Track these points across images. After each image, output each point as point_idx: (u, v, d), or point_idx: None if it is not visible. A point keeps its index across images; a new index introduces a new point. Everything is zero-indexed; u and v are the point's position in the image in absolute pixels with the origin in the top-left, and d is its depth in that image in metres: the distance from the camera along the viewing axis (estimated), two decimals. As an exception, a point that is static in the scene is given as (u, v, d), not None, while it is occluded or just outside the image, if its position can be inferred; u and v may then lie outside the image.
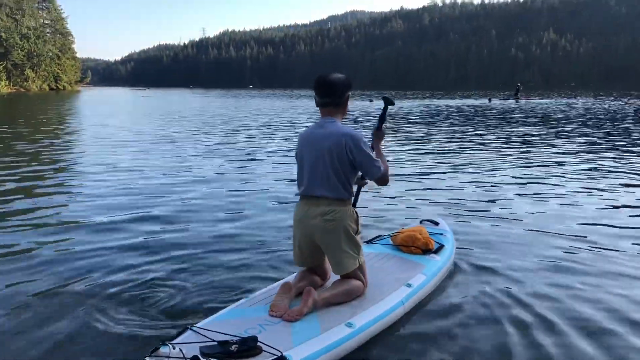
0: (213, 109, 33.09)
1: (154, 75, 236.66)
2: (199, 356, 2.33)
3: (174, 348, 2.42)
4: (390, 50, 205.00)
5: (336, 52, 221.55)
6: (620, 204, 6.44)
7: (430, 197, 6.95)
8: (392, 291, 3.29)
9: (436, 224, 4.61)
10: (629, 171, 8.92)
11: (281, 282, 3.35)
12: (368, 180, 3.30)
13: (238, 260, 4.33)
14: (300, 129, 17.78)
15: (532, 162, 10.01)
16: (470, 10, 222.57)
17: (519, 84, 49.93)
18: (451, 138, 14.70)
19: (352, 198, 3.28)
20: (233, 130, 17.55)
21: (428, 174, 8.67)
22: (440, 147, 12.56)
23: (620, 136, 15.03)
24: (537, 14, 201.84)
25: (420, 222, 4.68)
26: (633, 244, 4.86)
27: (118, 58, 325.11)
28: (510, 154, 11.18)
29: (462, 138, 14.60)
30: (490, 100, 40.66)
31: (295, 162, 3.32)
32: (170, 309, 3.40)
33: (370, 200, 6.43)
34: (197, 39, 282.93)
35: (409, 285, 3.38)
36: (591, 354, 2.90)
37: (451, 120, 21.71)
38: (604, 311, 3.42)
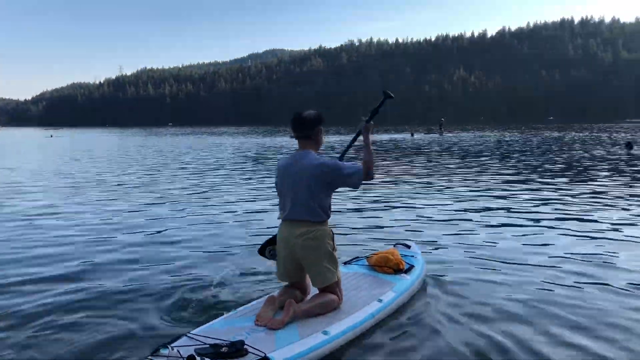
0: (125, 148, 31.77)
1: (68, 115, 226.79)
2: (195, 355, 2.73)
3: (172, 349, 2.86)
4: (311, 88, 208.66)
5: (258, 89, 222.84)
6: (578, 230, 6.77)
7: (402, 222, 7.46)
8: (365, 305, 3.70)
9: (408, 247, 5.04)
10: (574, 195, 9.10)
11: (266, 296, 3.65)
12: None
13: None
14: (223, 165, 17.25)
15: (479, 189, 10.12)
16: (385, 49, 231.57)
17: (442, 119, 51.80)
18: (407, 170, 14.63)
19: (328, 219, 3.65)
20: (141, 170, 16.69)
21: (392, 202, 9.16)
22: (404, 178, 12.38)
23: (545, 163, 15.62)
24: (449, 53, 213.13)
25: (394, 245, 5.01)
26: (581, 261, 5.32)
27: (29, 97, 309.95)
28: (455, 182, 11.19)
29: (408, 169, 14.58)
30: (412, 134, 41.69)
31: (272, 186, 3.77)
32: (168, 317, 3.88)
33: (348, 226, 7.09)
34: (113, 77, 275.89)
35: (380, 301, 3.79)
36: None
37: (397, 154, 21.82)
38: (566, 325, 3.71)
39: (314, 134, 3.68)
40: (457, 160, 18.21)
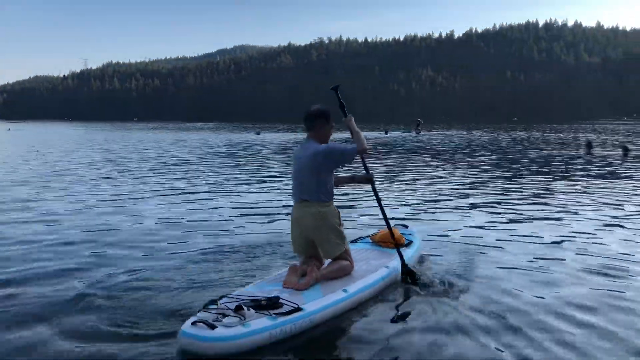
0: (82, 142, 31.11)
1: (29, 109, 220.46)
2: (242, 305, 3.33)
3: (219, 305, 3.44)
4: (280, 84, 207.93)
5: (226, 85, 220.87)
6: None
7: (399, 207, 8.44)
8: (375, 270, 4.35)
9: (406, 227, 5.72)
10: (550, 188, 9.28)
11: (288, 266, 4.19)
12: (357, 180, 4.61)
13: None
14: (181, 164, 17.04)
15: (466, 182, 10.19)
16: (354, 48, 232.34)
17: (419, 119, 51.94)
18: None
19: (333, 199, 4.21)
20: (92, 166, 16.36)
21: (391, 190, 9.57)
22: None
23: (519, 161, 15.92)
24: (417, 52, 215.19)
25: (394, 225, 5.30)
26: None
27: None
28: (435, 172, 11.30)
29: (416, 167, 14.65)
30: (386, 132, 41.71)
31: None
32: (202, 288, 4.39)
33: (351, 211, 7.93)
34: (78, 70, 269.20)
35: (387, 267, 4.44)
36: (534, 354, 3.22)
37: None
38: (549, 312, 3.92)
39: (315, 127, 4.21)
40: (435, 157, 18.90)
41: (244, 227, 7.02)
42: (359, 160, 4.48)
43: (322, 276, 4.04)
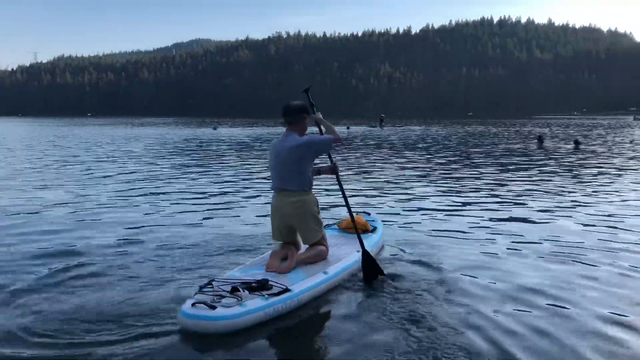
0: (30, 138, 29.98)
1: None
2: (238, 287, 3.65)
3: (212, 287, 3.69)
4: (237, 79, 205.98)
5: (182, 79, 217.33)
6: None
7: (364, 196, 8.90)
8: (348, 254, 4.70)
9: (368, 214, 6.10)
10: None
11: (269, 252, 4.53)
12: (322, 172, 4.74)
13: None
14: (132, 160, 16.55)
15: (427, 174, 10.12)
16: (313, 43, 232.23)
17: (382, 115, 52.52)
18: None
19: (310, 188, 4.45)
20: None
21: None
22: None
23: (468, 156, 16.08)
24: (374, 48, 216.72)
25: (357, 213, 5.63)
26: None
27: None
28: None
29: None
30: (348, 127, 41.73)
31: None
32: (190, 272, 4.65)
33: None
34: (27, 64, 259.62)
35: (358, 251, 4.67)
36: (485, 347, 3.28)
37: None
38: (506, 297, 4.15)
39: (296, 121, 4.43)
40: (396, 150, 19.22)
41: (209, 219, 7.02)
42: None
43: (301, 260, 4.33)
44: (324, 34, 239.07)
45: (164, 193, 9.29)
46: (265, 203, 7.96)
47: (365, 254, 4.55)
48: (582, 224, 6.65)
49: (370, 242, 5.04)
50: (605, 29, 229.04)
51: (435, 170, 13.02)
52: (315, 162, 4.54)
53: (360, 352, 3.21)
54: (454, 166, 13.89)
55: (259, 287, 3.74)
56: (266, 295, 3.67)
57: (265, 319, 3.58)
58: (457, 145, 22.46)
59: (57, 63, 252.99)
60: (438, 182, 10.77)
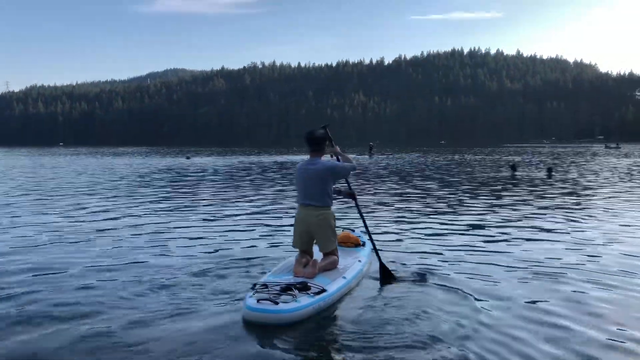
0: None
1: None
2: (291, 286, 4.35)
3: (266, 287, 4.35)
4: (212, 108, 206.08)
5: (157, 109, 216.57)
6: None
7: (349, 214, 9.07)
8: (353, 263, 5.38)
9: (353, 230, 6.79)
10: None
11: (291, 259, 5.25)
12: (343, 194, 5.70)
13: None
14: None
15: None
16: (288, 73, 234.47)
17: (371, 143, 52.83)
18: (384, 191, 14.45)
19: (332, 205, 5.18)
20: None
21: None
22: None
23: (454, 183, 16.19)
24: (349, 78, 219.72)
25: (343, 229, 6.48)
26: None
27: None
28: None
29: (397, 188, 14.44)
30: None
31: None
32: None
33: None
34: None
35: (360, 261, 5.51)
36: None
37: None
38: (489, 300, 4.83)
39: (322, 148, 5.25)
40: (384, 177, 18.88)
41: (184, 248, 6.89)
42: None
43: (321, 267, 4.98)
44: (299, 64, 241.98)
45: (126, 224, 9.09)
46: (248, 228, 7.99)
47: (381, 263, 5.46)
48: (558, 248, 6.83)
49: (365, 253, 5.88)
50: (571, 60, 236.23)
51: (419, 195, 13.25)
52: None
53: (377, 341, 3.83)
54: (437, 193, 13.99)
55: (302, 287, 4.40)
56: (312, 294, 4.37)
57: (313, 313, 4.26)
58: (437, 172, 22.69)
59: (30, 92, 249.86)
60: (419, 207, 10.82)
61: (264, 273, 5.22)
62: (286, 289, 4.32)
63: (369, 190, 14.92)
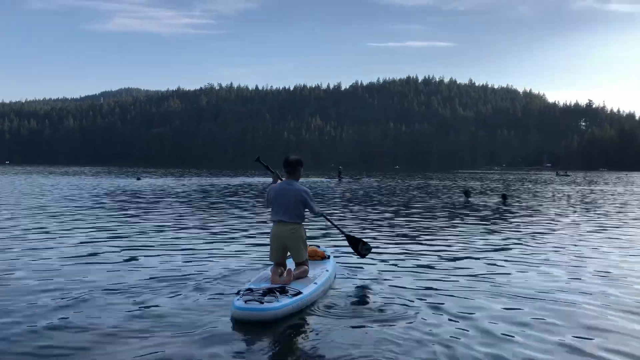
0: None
1: None
2: (273, 289, 5.06)
3: (251, 291, 5.01)
4: (167, 129, 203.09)
5: (109, 128, 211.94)
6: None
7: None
8: (322, 272, 6.08)
9: (318, 246, 7.50)
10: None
11: (266, 271, 5.96)
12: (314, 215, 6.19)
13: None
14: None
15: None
16: (245, 95, 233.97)
17: (340, 167, 51.08)
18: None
19: (303, 220, 5.94)
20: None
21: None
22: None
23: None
24: (306, 102, 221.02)
25: (310, 245, 6.79)
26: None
27: None
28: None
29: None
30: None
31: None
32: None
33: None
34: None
35: (327, 270, 6.23)
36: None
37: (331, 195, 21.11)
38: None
39: (296, 172, 6.01)
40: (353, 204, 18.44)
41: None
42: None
43: (295, 275, 5.67)
44: (256, 87, 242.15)
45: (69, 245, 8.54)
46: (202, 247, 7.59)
47: (348, 236, 7.05)
48: (520, 271, 6.72)
49: (330, 265, 6.61)
50: (521, 89, 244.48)
51: (378, 217, 13.04)
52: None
53: (345, 339, 4.36)
54: (402, 219, 13.85)
55: (282, 290, 5.12)
56: (290, 295, 5.08)
57: (292, 311, 4.96)
58: (394, 197, 22.70)
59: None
60: (380, 229, 10.62)
61: (240, 284, 5.82)
62: (268, 292, 5.02)
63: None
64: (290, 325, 4.75)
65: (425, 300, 5.49)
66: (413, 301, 5.43)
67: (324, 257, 6.93)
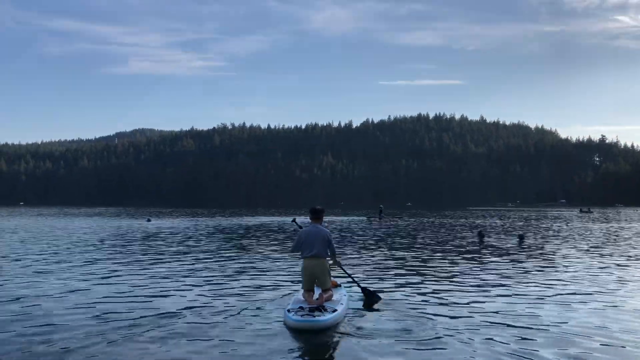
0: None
1: None
2: (319, 307, 6.96)
3: (302, 309, 6.93)
4: (180, 168, 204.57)
5: (124, 168, 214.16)
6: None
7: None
8: (342, 296, 7.88)
9: (332, 277, 8.35)
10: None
11: (296, 296, 7.91)
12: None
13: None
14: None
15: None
16: (258, 134, 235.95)
17: (381, 206, 49.61)
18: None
19: (327, 257, 7.75)
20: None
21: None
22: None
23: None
24: (317, 140, 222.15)
25: None
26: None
27: None
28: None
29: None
30: (293, 220, 40.19)
31: None
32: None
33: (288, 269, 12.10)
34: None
35: (345, 295, 8.00)
36: None
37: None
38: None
39: (320, 217, 7.97)
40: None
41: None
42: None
43: (325, 298, 7.41)
44: (268, 126, 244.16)
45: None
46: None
47: (365, 289, 8.48)
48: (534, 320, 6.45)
49: (343, 290, 8.31)
50: (532, 125, 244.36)
51: (393, 257, 12.67)
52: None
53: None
54: (407, 255, 13.54)
55: (323, 308, 6.89)
56: (330, 312, 6.81)
57: (334, 324, 6.72)
58: (412, 237, 22.33)
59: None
60: (400, 266, 10.35)
61: (275, 309, 7.72)
62: (315, 309, 6.84)
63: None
64: (330, 334, 6.54)
65: (425, 309, 7.48)
66: (414, 315, 7.38)
67: (337, 285, 8.47)
